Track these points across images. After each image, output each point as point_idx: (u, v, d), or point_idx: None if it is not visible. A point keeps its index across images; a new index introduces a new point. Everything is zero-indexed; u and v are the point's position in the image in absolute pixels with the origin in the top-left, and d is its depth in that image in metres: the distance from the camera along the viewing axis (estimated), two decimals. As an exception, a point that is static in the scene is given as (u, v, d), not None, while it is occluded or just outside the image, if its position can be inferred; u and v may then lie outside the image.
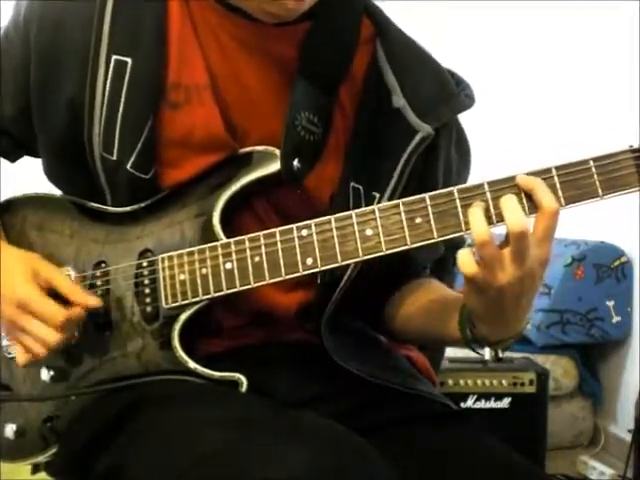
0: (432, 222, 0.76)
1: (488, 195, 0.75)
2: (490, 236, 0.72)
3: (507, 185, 0.74)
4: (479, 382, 2.19)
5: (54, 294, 0.86)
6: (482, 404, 2.18)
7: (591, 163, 0.73)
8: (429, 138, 0.89)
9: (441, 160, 0.96)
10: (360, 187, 0.90)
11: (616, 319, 2.59)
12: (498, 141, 3.30)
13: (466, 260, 0.74)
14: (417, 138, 0.88)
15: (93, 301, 0.86)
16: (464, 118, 0.98)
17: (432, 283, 1.00)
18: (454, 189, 0.76)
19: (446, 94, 0.92)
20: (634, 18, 2.43)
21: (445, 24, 3.60)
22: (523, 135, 3.16)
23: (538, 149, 2.78)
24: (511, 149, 3.13)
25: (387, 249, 0.77)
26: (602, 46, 2.68)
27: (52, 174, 0.97)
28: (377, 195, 0.90)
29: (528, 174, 0.74)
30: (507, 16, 3.24)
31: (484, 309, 0.78)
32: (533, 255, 0.73)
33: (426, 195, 0.77)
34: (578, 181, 0.73)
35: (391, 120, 0.90)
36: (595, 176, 0.72)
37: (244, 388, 0.83)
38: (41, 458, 0.90)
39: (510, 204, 0.73)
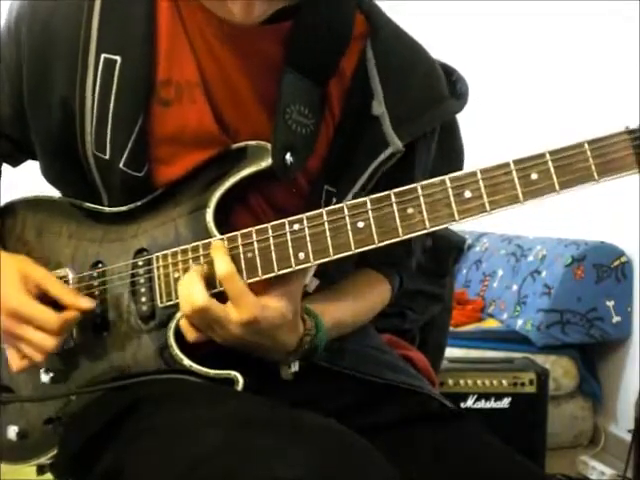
0: (424, 212, 0.74)
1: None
2: (193, 307, 0.78)
3: (500, 172, 0.72)
4: (479, 382, 2.19)
5: (47, 298, 0.86)
6: (482, 404, 2.18)
7: (586, 146, 0.70)
8: (399, 153, 0.88)
9: (418, 168, 0.95)
10: (334, 190, 0.90)
11: (616, 319, 2.59)
12: (492, 129, 3.31)
13: (185, 329, 0.82)
14: (387, 152, 0.87)
15: (85, 303, 0.86)
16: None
17: (364, 282, 1.00)
18: (446, 178, 0.74)
19: (434, 99, 0.91)
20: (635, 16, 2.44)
21: (445, 19, 3.62)
22: (518, 123, 3.18)
23: (534, 136, 2.79)
24: (505, 137, 3.15)
25: (379, 241, 0.76)
26: (600, 39, 2.70)
27: (49, 175, 0.97)
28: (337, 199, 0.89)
29: (522, 159, 0.72)
30: (508, 9, 3.25)
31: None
32: (233, 318, 0.78)
33: (418, 185, 0.75)
34: (573, 165, 0.70)
35: (369, 126, 0.89)
36: (590, 159, 0.69)
37: (240, 386, 0.82)
38: (43, 460, 0.90)
39: (218, 253, 0.80)
